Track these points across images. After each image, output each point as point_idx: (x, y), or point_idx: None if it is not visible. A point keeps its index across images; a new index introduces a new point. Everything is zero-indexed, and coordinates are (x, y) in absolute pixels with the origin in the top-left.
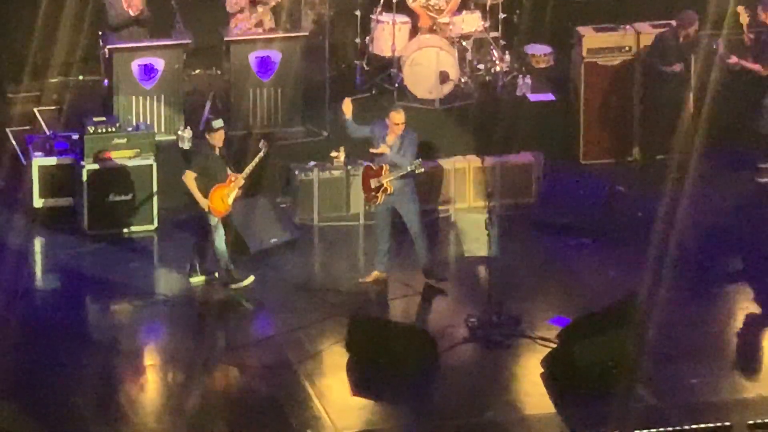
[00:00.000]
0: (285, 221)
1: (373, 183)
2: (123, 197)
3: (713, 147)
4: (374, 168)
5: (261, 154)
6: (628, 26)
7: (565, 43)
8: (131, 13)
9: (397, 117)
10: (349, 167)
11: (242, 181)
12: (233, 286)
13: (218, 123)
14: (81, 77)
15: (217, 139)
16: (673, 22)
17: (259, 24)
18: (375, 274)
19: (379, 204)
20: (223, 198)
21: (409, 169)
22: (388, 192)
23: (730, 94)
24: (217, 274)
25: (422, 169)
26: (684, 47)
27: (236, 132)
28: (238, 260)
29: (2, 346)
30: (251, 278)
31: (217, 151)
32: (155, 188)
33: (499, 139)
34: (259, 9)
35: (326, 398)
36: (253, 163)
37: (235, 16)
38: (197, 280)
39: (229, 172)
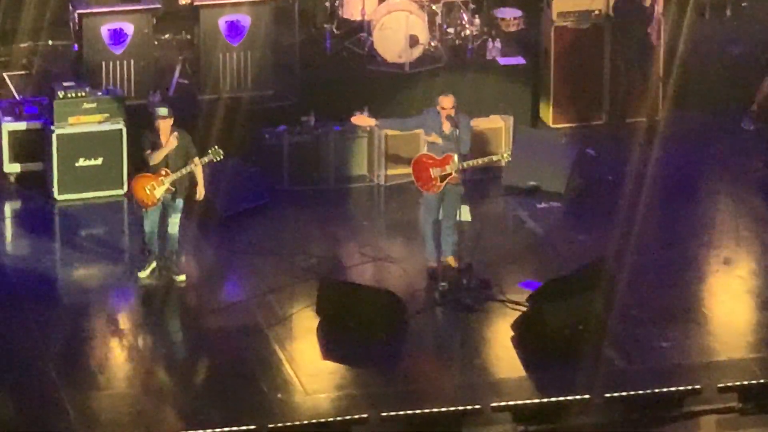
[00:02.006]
0: (255, 185)
1: (435, 172)
2: (92, 162)
3: (681, 109)
4: (436, 157)
5: (207, 160)
6: None
7: (534, 6)
8: None
9: (447, 101)
10: (319, 131)
11: (171, 179)
12: (138, 272)
13: (162, 111)
14: (50, 42)
15: (161, 128)
16: None
17: None
18: (449, 262)
19: (437, 192)
20: (147, 188)
21: (495, 160)
22: (455, 182)
23: (698, 57)
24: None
25: (509, 159)
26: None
27: (206, 96)
28: (208, 225)
29: None
30: (149, 272)
31: (164, 139)
32: (125, 153)
33: (469, 103)
34: None
35: (297, 362)
36: (188, 169)
37: None
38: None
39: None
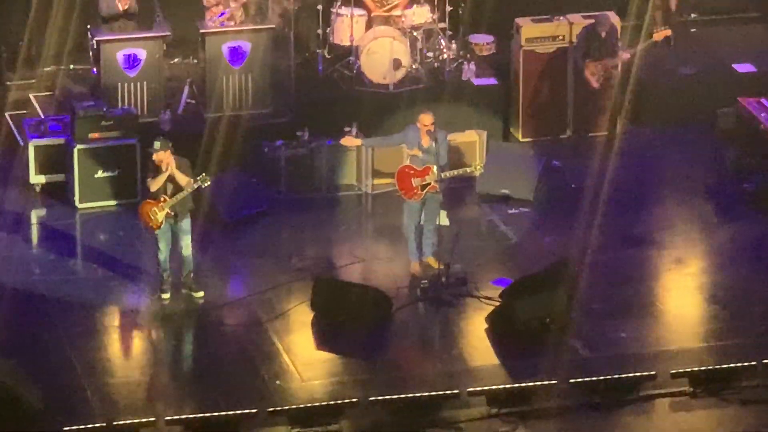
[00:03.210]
0: (255, 193)
1: (416, 182)
2: (109, 173)
3: (637, 124)
4: (417, 168)
5: (195, 186)
6: (562, 17)
7: (505, 32)
8: (121, 7)
9: (427, 119)
10: (312, 145)
11: (170, 204)
12: (162, 294)
13: (155, 145)
14: (72, 66)
15: (159, 158)
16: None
17: (231, 18)
18: (430, 262)
19: (418, 200)
20: (150, 213)
21: (468, 171)
22: (434, 191)
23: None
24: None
25: (481, 170)
26: (607, 40)
27: (211, 114)
28: (212, 230)
29: (0, 308)
30: (168, 296)
31: (164, 167)
32: (138, 165)
33: (446, 119)
34: (232, 5)
35: (293, 352)
36: (183, 194)
37: (210, 9)
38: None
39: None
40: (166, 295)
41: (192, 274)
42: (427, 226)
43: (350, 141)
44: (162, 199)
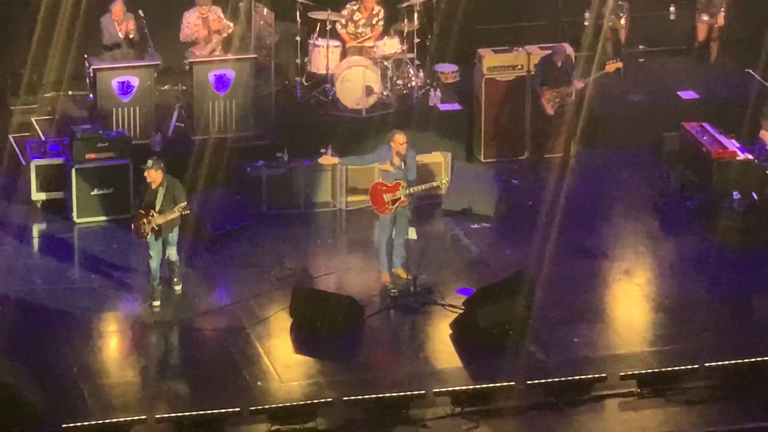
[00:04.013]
0: (239, 209)
1: (387, 197)
2: (104, 191)
3: (590, 147)
4: (388, 185)
5: (179, 213)
6: (520, 48)
7: (468, 62)
8: (122, 36)
9: (401, 138)
10: (291, 165)
11: (158, 221)
12: (153, 302)
13: (148, 163)
14: (70, 92)
15: (150, 176)
16: (550, 52)
17: (211, 52)
18: (398, 273)
19: (390, 214)
20: (140, 224)
21: (435, 185)
22: (404, 205)
23: (604, 103)
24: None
25: (447, 184)
26: (562, 69)
27: (198, 136)
28: (199, 243)
29: (5, 314)
30: (158, 303)
31: (155, 185)
32: (131, 183)
33: (414, 142)
34: (214, 40)
35: (273, 355)
36: (170, 217)
37: (191, 48)
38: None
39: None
40: (156, 303)
41: (175, 271)
42: (397, 239)
43: (328, 160)
44: (151, 213)
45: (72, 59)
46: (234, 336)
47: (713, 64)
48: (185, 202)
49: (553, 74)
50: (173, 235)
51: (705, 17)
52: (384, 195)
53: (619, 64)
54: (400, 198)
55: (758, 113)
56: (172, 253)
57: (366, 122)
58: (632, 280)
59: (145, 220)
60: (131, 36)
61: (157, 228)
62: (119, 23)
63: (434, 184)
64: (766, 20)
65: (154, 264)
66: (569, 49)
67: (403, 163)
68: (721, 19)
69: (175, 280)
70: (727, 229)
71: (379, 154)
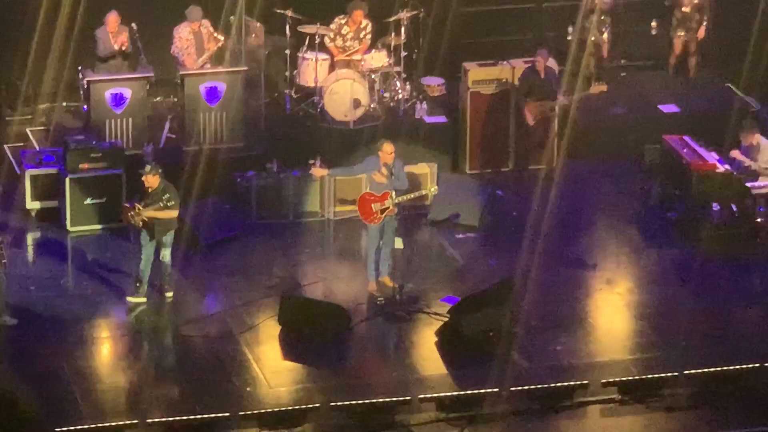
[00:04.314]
0: (230, 219)
1: (376, 206)
2: (98, 200)
3: (573, 159)
4: (376, 194)
5: (163, 205)
6: (505, 62)
7: (454, 75)
8: (116, 48)
9: (389, 147)
10: (280, 176)
11: (145, 216)
12: (128, 297)
13: (146, 168)
14: (65, 104)
15: (147, 181)
16: (534, 59)
17: (203, 65)
18: (385, 282)
19: (378, 223)
20: (129, 218)
21: (423, 194)
22: (392, 214)
23: (586, 116)
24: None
25: (435, 192)
26: (546, 82)
27: (190, 147)
28: (192, 252)
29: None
30: (144, 300)
31: (151, 189)
32: (124, 193)
33: (401, 153)
34: (205, 53)
35: (262, 362)
36: (158, 214)
37: (183, 61)
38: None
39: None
40: (131, 298)
41: (168, 277)
42: (384, 248)
43: (318, 171)
44: (136, 207)
45: (67, 71)
46: (224, 342)
47: (694, 79)
48: (173, 201)
49: (537, 86)
50: (167, 238)
51: (681, 32)
52: (372, 205)
53: (604, 88)
54: (388, 207)
55: (738, 127)
56: (166, 254)
57: (354, 134)
58: (614, 290)
59: (131, 213)
60: (124, 48)
61: (146, 220)
62: (114, 35)
63: (423, 192)
64: (744, 35)
65: (142, 264)
66: (553, 62)
67: (390, 173)
68: (702, 32)
69: (166, 286)
70: (707, 239)
71: (367, 165)
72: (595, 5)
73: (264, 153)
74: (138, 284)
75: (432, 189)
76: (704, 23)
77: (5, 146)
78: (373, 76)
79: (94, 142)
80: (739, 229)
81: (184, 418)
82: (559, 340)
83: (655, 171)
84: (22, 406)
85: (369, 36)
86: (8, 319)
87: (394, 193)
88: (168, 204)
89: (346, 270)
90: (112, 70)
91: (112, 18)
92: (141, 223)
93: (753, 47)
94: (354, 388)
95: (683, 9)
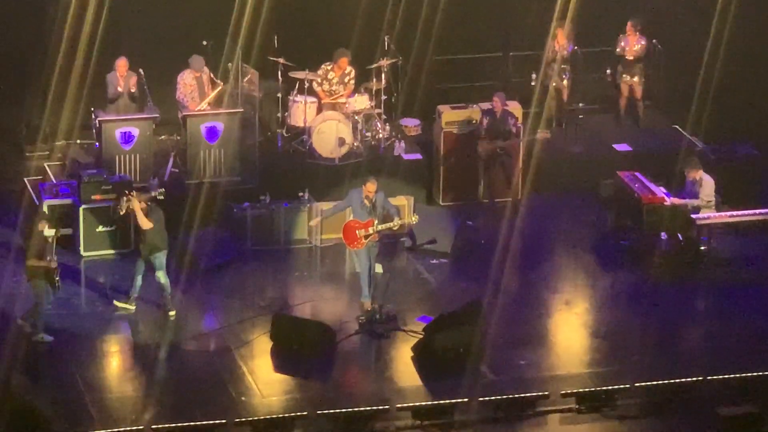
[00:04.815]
0: (227, 245)
1: (361, 233)
2: (108, 228)
3: (536, 192)
4: (361, 222)
5: (141, 200)
6: (474, 105)
7: (429, 117)
8: (122, 90)
9: (372, 186)
10: (272, 207)
11: (132, 206)
12: (116, 301)
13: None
14: (79, 141)
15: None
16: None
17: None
18: (367, 303)
19: (363, 248)
20: (119, 203)
21: (406, 222)
22: (375, 240)
23: (548, 154)
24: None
25: (416, 222)
26: (499, 123)
27: (191, 181)
28: (192, 274)
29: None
30: (130, 307)
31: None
32: (132, 222)
33: (381, 187)
34: (206, 100)
35: (256, 374)
36: (136, 206)
37: (186, 103)
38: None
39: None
40: (128, 306)
41: (168, 297)
42: (373, 268)
43: (315, 222)
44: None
45: (81, 113)
46: (221, 356)
47: (643, 120)
48: (154, 215)
49: (492, 126)
50: (156, 260)
51: (626, 77)
52: (357, 231)
53: (547, 135)
54: (372, 234)
55: (683, 164)
56: (159, 275)
57: (339, 170)
58: (572, 310)
59: (124, 198)
60: (132, 91)
61: (130, 211)
62: (122, 79)
63: (406, 221)
64: (690, 81)
65: (137, 279)
66: (515, 105)
67: (372, 206)
68: (640, 82)
69: (168, 306)
70: (656, 265)
71: (351, 197)
72: (556, 54)
73: (258, 186)
74: (129, 294)
75: (413, 218)
76: (641, 74)
77: (25, 179)
78: (356, 118)
79: (105, 176)
80: (684, 256)
81: (185, 424)
82: (523, 356)
83: (610, 204)
84: (40, 413)
85: (353, 81)
86: (45, 336)
87: (376, 221)
88: (148, 213)
89: (331, 292)
90: (121, 110)
91: (122, 63)
92: (122, 211)
93: (698, 92)
94: (338, 398)
95: (628, 57)
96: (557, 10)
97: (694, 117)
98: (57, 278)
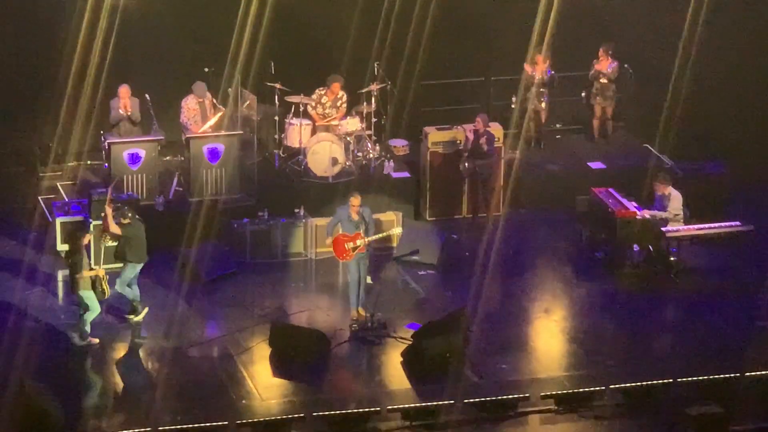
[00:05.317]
0: (227, 258)
1: (349, 245)
2: (115, 243)
3: (516, 208)
4: (349, 235)
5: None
6: (458, 127)
7: (416, 138)
8: (123, 113)
9: (356, 201)
10: (270, 222)
11: (106, 214)
12: (130, 316)
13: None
14: (89, 162)
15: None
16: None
17: (206, 130)
18: (359, 311)
19: (351, 260)
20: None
21: (391, 234)
22: (362, 252)
23: (527, 171)
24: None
25: (400, 232)
26: (482, 143)
27: (194, 198)
28: (194, 286)
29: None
30: (145, 310)
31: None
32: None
33: (372, 203)
34: (208, 124)
35: (255, 378)
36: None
37: (189, 126)
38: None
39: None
40: (131, 316)
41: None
42: (362, 277)
43: (329, 240)
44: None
45: (90, 135)
46: (223, 362)
47: (615, 140)
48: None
49: (473, 145)
50: (124, 271)
51: (599, 99)
52: (345, 244)
53: (515, 156)
54: (359, 246)
55: (654, 177)
56: (117, 284)
57: (332, 187)
58: (550, 317)
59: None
60: (131, 116)
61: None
62: (124, 104)
63: (390, 232)
64: (658, 104)
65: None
66: (497, 127)
67: (360, 220)
68: (611, 103)
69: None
70: (628, 276)
71: (340, 215)
72: (535, 79)
73: (256, 203)
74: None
75: (397, 230)
76: (613, 98)
77: (39, 198)
78: (348, 139)
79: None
80: (655, 266)
81: (189, 426)
82: (505, 360)
83: (585, 218)
84: (52, 415)
85: (345, 105)
86: (92, 339)
87: (363, 233)
88: (128, 225)
89: (326, 301)
90: (122, 133)
91: (123, 90)
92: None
93: (666, 113)
94: (332, 401)
95: (601, 80)
96: (535, 38)
97: (662, 136)
98: (106, 285)
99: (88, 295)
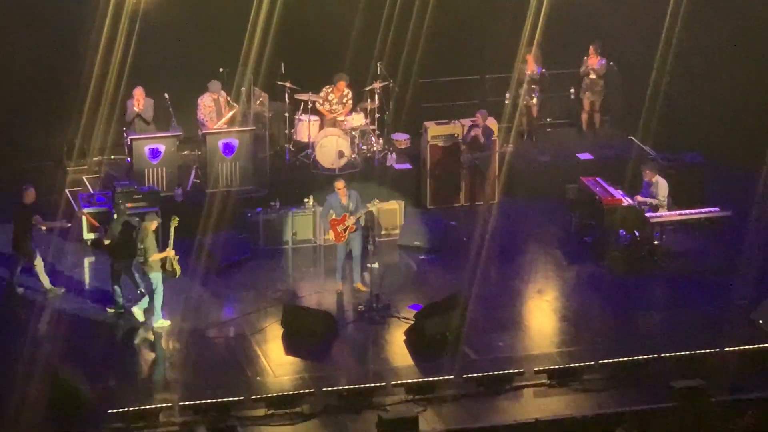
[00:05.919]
0: (242, 245)
1: (340, 228)
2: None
3: (511, 196)
4: (337, 218)
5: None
6: (456, 121)
7: (417, 132)
8: (136, 110)
9: (341, 184)
10: (281, 211)
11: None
12: (111, 309)
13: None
14: (112, 156)
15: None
16: (475, 118)
17: (221, 126)
18: (355, 287)
19: (344, 242)
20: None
21: (363, 212)
22: (353, 231)
23: (521, 162)
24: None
25: (375, 207)
26: (479, 138)
27: (210, 190)
28: (211, 271)
29: (63, 328)
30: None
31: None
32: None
33: (376, 193)
34: (223, 119)
35: (269, 356)
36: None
37: (205, 122)
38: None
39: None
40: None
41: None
42: (355, 259)
43: (330, 235)
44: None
45: (113, 131)
46: (238, 342)
47: (602, 132)
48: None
49: (472, 138)
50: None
51: (588, 94)
52: (337, 227)
53: (509, 149)
54: (348, 226)
55: (638, 169)
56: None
57: (338, 178)
58: (543, 298)
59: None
60: (142, 113)
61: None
62: (138, 104)
63: (368, 206)
64: (641, 98)
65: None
66: (492, 121)
67: (349, 202)
68: (598, 98)
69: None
70: (615, 259)
71: (331, 201)
72: (526, 76)
73: (269, 194)
74: (138, 300)
75: (373, 206)
76: (601, 92)
77: (66, 190)
78: (353, 133)
79: (136, 187)
80: (640, 250)
81: (208, 401)
82: (501, 338)
83: (574, 205)
84: (81, 393)
85: (350, 101)
86: (163, 320)
87: (349, 214)
88: (118, 223)
89: (333, 284)
90: (137, 131)
91: (138, 91)
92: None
93: (648, 107)
94: (340, 377)
95: (591, 76)
96: (526, 37)
97: (645, 128)
98: (177, 265)
99: (157, 277)
